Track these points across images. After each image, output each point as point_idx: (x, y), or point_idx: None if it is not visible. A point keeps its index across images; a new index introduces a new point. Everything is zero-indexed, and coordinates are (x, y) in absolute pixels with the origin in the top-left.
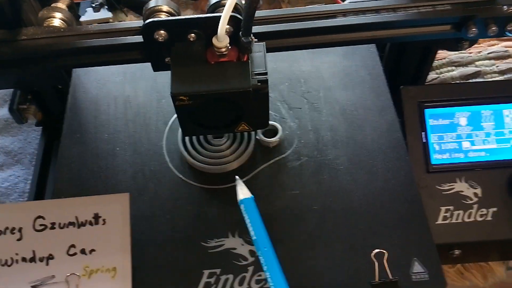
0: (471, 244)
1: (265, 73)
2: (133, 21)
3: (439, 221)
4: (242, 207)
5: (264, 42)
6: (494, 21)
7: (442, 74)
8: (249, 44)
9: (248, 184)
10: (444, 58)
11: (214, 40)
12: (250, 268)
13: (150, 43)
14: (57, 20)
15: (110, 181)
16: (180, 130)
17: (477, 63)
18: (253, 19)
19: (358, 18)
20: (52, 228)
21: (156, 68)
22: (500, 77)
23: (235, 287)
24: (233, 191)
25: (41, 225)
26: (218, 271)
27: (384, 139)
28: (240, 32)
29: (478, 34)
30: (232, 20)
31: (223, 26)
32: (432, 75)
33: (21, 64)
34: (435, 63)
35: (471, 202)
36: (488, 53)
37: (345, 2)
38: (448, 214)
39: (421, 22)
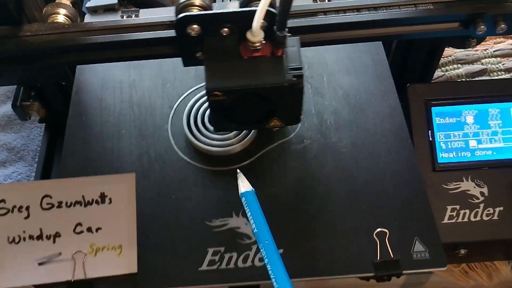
0: (477, 243)
1: (300, 68)
2: (142, 18)
3: (445, 220)
4: (243, 200)
5: (299, 37)
6: (503, 18)
7: (448, 72)
8: (284, 38)
9: (252, 167)
10: (450, 56)
11: (248, 35)
12: (254, 247)
13: (183, 37)
14: (61, 16)
15: (116, 162)
16: (185, 112)
17: (483, 60)
18: (289, 13)
19: (365, 15)
20: (59, 206)
21: (186, 63)
22: (506, 75)
23: (239, 265)
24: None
25: (48, 203)
26: (222, 249)
27: (386, 123)
28: (275, 27)
29: (487, 32)
30: (267, 15)
31: (258, 20)
32: (438, 73)
33: (25, 60)
34: (441, 60)
35: (477, 201)
36: (494, 51)
37: None
38: (454, 213)
39: (428, 20)
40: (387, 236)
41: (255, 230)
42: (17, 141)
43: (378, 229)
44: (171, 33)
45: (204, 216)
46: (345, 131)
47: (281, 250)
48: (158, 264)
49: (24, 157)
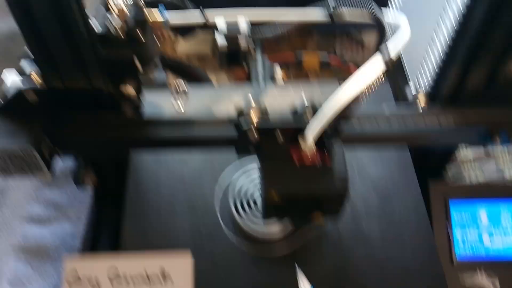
0: None
1: (346, 178)
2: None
3: None
4: None
5: (341, 144)
6: None
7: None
8: (332, 146)
9: (294, 255)
10: None
11: (301, 143)
12: None
13: (243, 141)
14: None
15: (171, 237)
16: (230, 194)
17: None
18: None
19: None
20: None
21: (240, 153)
22: None
23: None
24: (285, 261)
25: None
26: None
27: (410, 213)
28: (324, 136)
29: (502, 143)
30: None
31: (313, 137)
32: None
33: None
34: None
35: None
36: None
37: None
38: None
39: (450, 138)
40: None
41: None
42: (62, 198)
43: None
44: (232, 133)
45: None
46: (373, 219)
47: None
48: None
49: (68, 214)
